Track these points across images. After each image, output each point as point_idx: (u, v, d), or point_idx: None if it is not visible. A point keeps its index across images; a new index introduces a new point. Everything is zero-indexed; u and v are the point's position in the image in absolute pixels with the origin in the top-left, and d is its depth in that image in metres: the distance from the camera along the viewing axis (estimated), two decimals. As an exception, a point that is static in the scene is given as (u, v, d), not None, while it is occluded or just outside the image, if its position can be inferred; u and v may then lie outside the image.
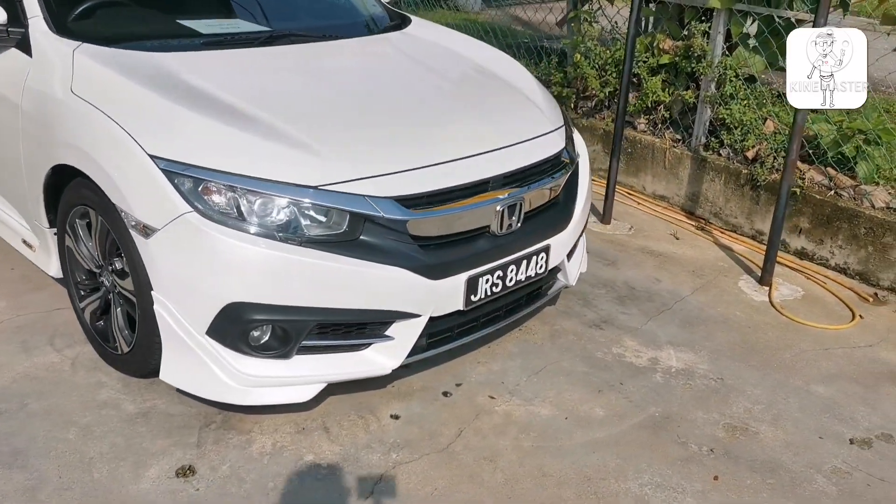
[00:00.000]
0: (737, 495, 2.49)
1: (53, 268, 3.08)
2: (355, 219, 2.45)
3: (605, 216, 4.50)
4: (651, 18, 5.17)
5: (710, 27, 4.52)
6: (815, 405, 2.96)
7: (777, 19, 4.26)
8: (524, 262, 2.81)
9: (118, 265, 2.68)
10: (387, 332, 2.58)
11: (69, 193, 2.80)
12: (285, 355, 2.49)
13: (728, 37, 4.55)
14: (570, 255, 3.15)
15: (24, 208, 3.14)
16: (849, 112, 4.11)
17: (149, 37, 3.07)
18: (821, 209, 4.06)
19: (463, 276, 2.62)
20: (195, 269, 2.40)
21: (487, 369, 3.04)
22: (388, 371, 2.61)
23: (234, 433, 2.61)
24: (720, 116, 4.54)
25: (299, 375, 2.53)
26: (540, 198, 2.91)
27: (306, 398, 2.55)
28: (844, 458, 2.69)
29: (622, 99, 4.25)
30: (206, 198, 2.38)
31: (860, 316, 3.63)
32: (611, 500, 2.43)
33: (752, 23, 4.46)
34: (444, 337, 2.74)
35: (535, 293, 3.07)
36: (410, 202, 2.50)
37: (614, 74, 4.99)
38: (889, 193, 3.96)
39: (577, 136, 3.39)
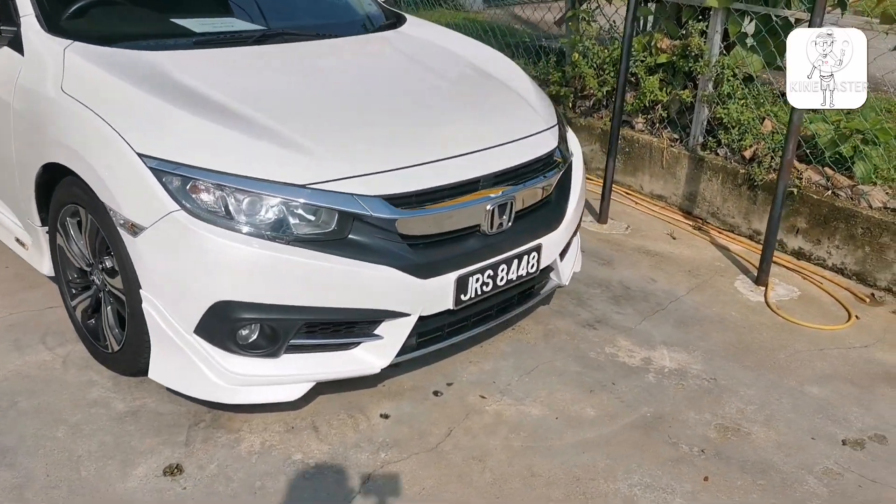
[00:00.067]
0: (727, 496, 2.48)
1: (46, 266, 3.08)
2: (344, 217, 2.44)
3: (601, 216, 4.48)
4: (650, 18, 5.15)
5: (707, 26, 4.50)
6: (808, 406, 2.95)
7: (774, 18, 4.24)
8: (515, 261, 2.80)
9: (108, 263, 2.68)
10: (376, 332, 2.57)
11: (60, 192, 2.80)
12: (274, 354, 2.49)
13: (726, 36, 4.53)
14: (563, 255, 3.14)
15: (16, 207, 3.15)
16: (847, 112, 4.09)
17: (141, 36, 3.06)
18: (818, 209, 4.04)
19: (453, 276, 2.61)
20: (183, 268, 2.40)
21: (479, 369, 3.03)
22: (377, 370, 2.60)
23: (223, 432, 2.60)
24: (718, 116, 4.52)
25: (288, 374, 2.52)
26: (531, 197, 2.90)
27: (295, 397, 2.55)
28: (836, 459, 2.67)
29: (618, 98, 4.24)
30: (194, 196, 2.37)
31: (856, 316, 3.61)
32: (599, 500, 2.42)
33: (749, 22, 4.44)
34: (434, 336, 2.74)
35: (528, 293, 3.05)
36: (399, 201, 2.50)
37: (612, 74, 4.97)
38: (886, 193, 3.94)
39: (571, 136, 3.37)
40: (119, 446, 2.51)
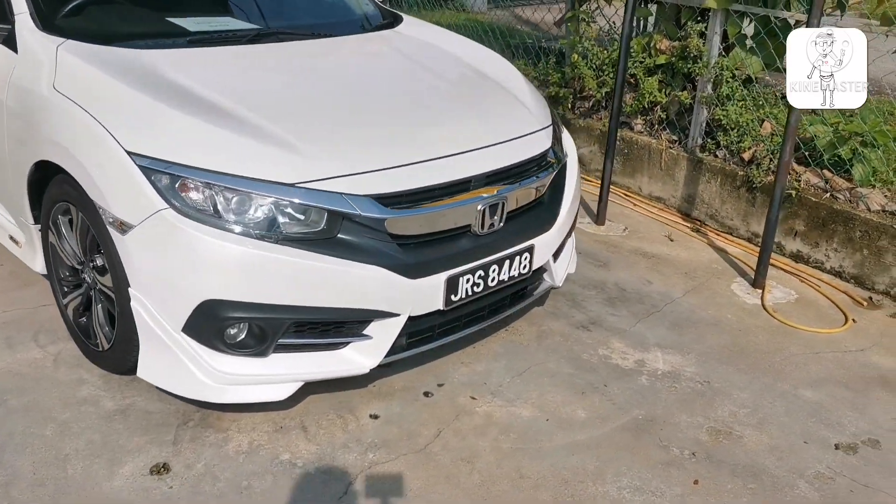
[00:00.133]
0: (716, 500, 2.46)
1: (38, 264, 3.08)
2: (333, 217, 2.43)
3: (599, 217, 4.47)
4: (650, 19, 5.13)
5: (706, 28, 4.49)
6: (801, 409, 2.93)
7: (773, 20, 4.22)
8: (507, 261, 2.79)
9: (99, 262, 2.68)
10: (365, 331, 2.56)
11: (52, 190, 2.80)
12: (262, 353, 2.48)
13: (725, 37, 4.51)
14: (556, 256, 3.12)
15: (10, 204, 3.15)
16: (845, 113, 4.06)
17: (135, 34, 3.06)
18: (816, 212, 4.02)
19: (443, 276, 2.59)
20: (171, 266, 2.39)
21: (471, 370, 3.02)
22: (366, 370, 2.59)
23: (211, 431, 2.60)
24: (717, 118, 4.50)
25: (276, 374, 2.51)
26: (524, 197, 2.89)
27: (283, 397, 2.54)
28: (829, 464, 2.65)
29: (616, 99, 4.22)
30: (182, 195, 2.37)
31: (853, 320, 3.59)
32: (587, 503, 2.41)
33: (749, 24, 4.42)
34: (424, 337, 2.73)
35: (520, 293, 3.04)
36: (389, 200, 2.49)
37: (611, 75, 4.96)
38: (885, 196, 3.91)
39: (566, 137, 3.36)
40: (107, 445, 2.51)
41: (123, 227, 2.42)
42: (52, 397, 2.71)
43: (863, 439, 2.78)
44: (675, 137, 4.79)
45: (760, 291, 3.79)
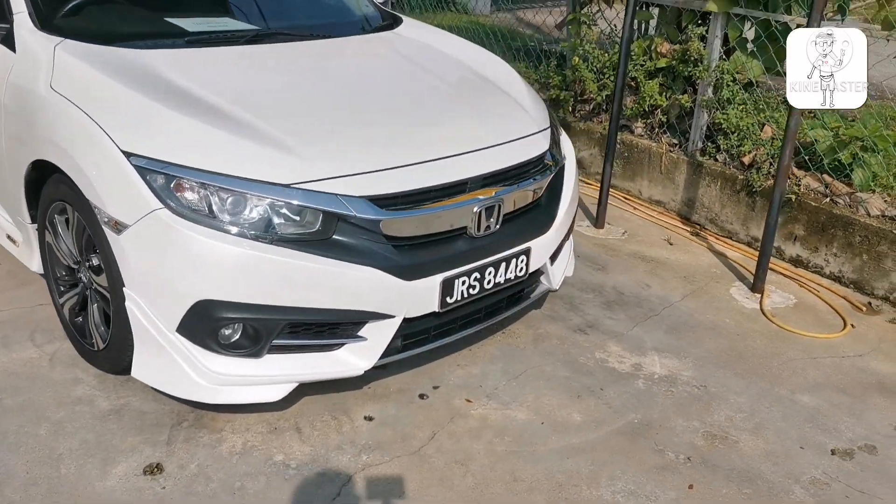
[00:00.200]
0: (711, 505, 2.45)
1: (35, 263, 3.08)
2: (328, 218, 2.43)
3: (598, 220, 4.46)
4: (651, 22, 5.13)
5: (707, 31, 4.48)
6: (798, 414, 2.91)
7: (774, 24, 4.21)
8: (503, 264, 2.78)
9: (95, 261, 2.68)
10: (359, 333, 2.56)
11: (48, 189, 2.80)
12: (256, 354, 2.48)
13: (726, 41, 4.50)
14: (553, 259, 3.12)
15: (8, 204, 3.16)
16: (847, 117, 4.05)
17: (134, 34, 3.07)
18: (816, 216, 4.00)
19: (438, 278, 2.59)
20: (165, 266, 2.39)
21: (466, 372, 3.01)
22: (361, 372, 2.58)
23: (205, 432, 2.59)
24: (717, 121, 4.49)
25: (270, 375, 2.51)
26: (521, 199, 2.88)
27: (277, 398, 2.54)
28: (825, 469, 2.64)
29: (616, 102, 4.21)
30: (178, 195, 2.37)
31: (852, 325, 3.57)
32: (581, 506, 2.40)
33: (750, 27, 4.41)
34: (419, 339, 2.72)
35: (517, 296, 3.03)
36: (384, 202, 2.48)
37: (612, 78, 4.95)
38: (885, 201, 3.90)
39: (564, 139, 3.36)
40: (100, 444, 2.51)
41: (118, 227, 2.42)
42: (47, 397, 2.71)
43: (859, 445, 2.77)
44: (675, 141, 4.78)
45: (759, 296, 3.78)
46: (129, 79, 2.63)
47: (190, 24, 3.20)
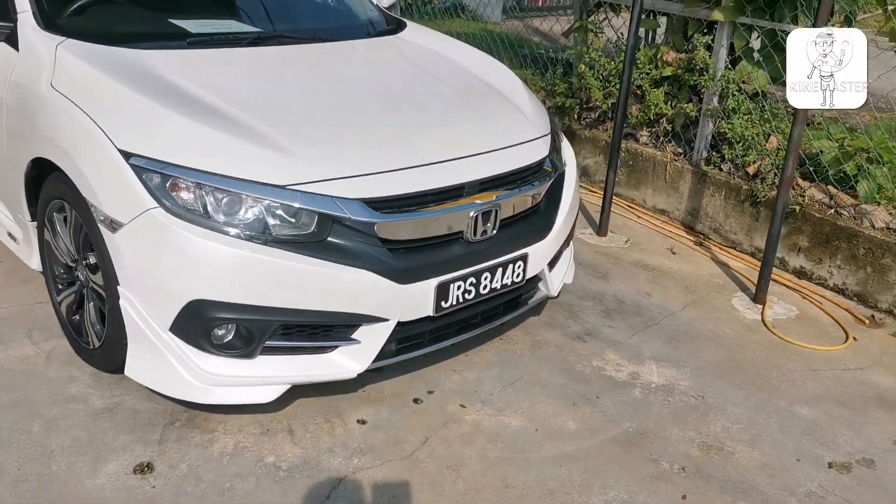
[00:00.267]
0: (704, 515, 2.43)
1: (34, 261, 3.10)
2: (323, 220, 2.43)
3: (601, 228, 4.44)
4: (658, 30, 5.12)
5: (713, 40, 4.46)
6: (796, 426, 2.88)
7: (780, 34, 4.19)
8: (500, 269, 2.77)
9: (91, 260, 2.68)
10: (353, 336, 2.55)
11: (48, 187, 2.81)
12: (249, 355, 2.47)
13: (732, 50, 4.48)
14: (552, 265, 3.11)
15: (9, 201, 3.17)
16: (844, 114, 4.00)
17: (136, 35, 3.08)
18: (820, 228, 3.97)
19: (433, 282, 2.58)
20: (159, 265, 2.39)
21: (462, 378, 3.00)
22: (354, 375, 2.58)
23: (197, 432, 2.59)
24: (722, 131, 4.47)
25: (263, 376, 2.50)
26: (519, 205, 2.87)
27: (270, 399, 2.53)
28: (821, 482, 2.61)
29: (620, 110, 4.20)
30: (173, 194, 2.37)
31: (854, 338, 3.54)
32: (572, 515, 2.38)
33: (756, 37, 4.39)
34: (414, 343, 2.71)
35: (514, 302, 3.02)
36: (379, 205, 2.48)
37: (617, 86, 4.92)
38: (889, 214, 3.87)
39: (566, 146, 3.34)
40: (92, 442, 2.51)
41: (114, 226, 2.43)
42: (42, 394, 2.71)
43: (857, 458, 2.74)
44: (680, 150, 4.76)
45: (761, 307, 3.75)
46: (127, 78, 2.64)
47: (193, 25, 3.21)
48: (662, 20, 5.11)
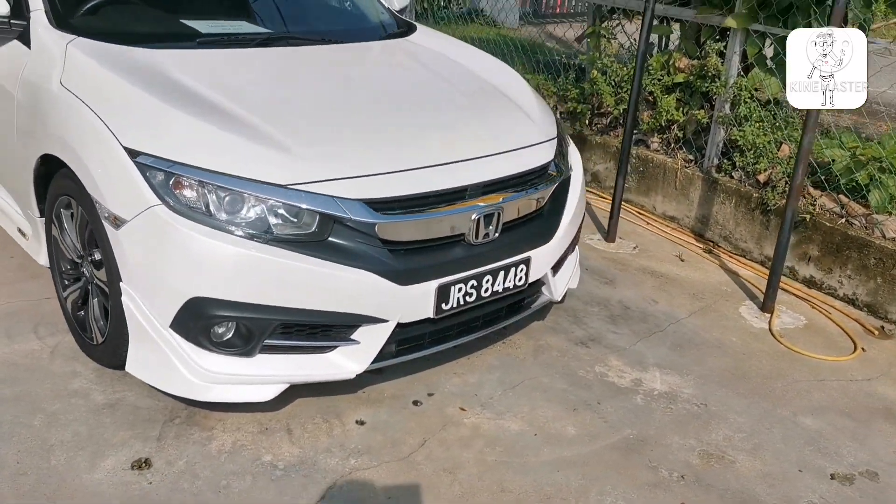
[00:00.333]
0: (701, 524, 2.40)
1: (42, 257, 3.13)
2: (324, 220, 2.43)
3: (609, 234, 4.42)
4: (670, 36, 5.10)
5: (725, 47, 4.44)
6: (799, 437, 2.85)
7: (793, 41, 4.16)
8: (501, 273, 2.76)
9: (96, 256, 2.71)
10: (352, 336, 2.55)
11: (56, 183, 2.84)
12: (248, 353, 2.48)
13: (744, 57, 4.46)
14: (556, 270, 3.09)
15: (19, 197, 3.21)
16: (860, 123, 3.97)
17: (147, 34, 3.11)
18: (831, 237, 3.93)
19: (433, 284, 2.58)
20: (160, 262, 2.41)
21: (463, 381, 2.99)
22: (353, 375, 2.58)
23: (196, 429, 2.60)
24: (733, 138, 4.44)
25: (262, 374, 2.51)
26: (523, 208, 2.86)
27: (268, 398, 2.54)
28: (822, 494, 2.57)
29: (630, 116, 4.19)
30: (176, 192, 2.39)
31: (862, 349, 3.50)
32: (568, 520, 2.37)
33: (769, 45, 4.36)
34: (414, 344, 2.71)
35: (517, 306, 3.01)
36: (380, 206, 2.48)
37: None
38: (901, 223, 3.82)
39: (573, 151, 3.33)
40: (92, 437, 2.52)
41: (117, 222, 2.45)
42: (45, 388, 2.74)
43: (860, 471, 2.70)
44: (691, 157, 4.74)
45: (769, 316, 3.72)
46: (134, 76, 2.66)
47: (203, 25, 3.24)
48: (676, 26, 5.09)
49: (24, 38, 3.00)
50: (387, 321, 2.54)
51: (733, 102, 4.43)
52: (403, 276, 2.51)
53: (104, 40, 2.89)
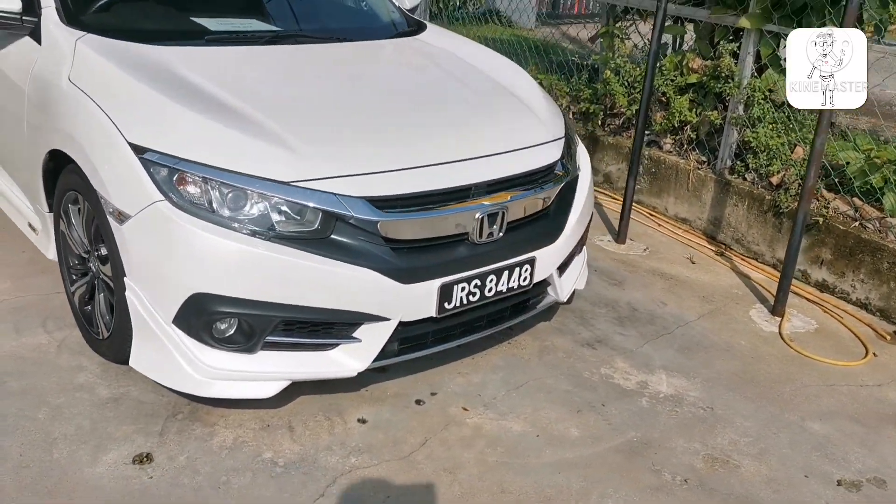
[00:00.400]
0: (703, 529, 2.38)
1: (51, 251, 3.15)
2: (327, 217, 2.43)
3: (620, 235, 4.39)
4: (684, 37, 5.06)
5: (739, 47, 4.39)
6: (806, 442, 2.81)
7: (808, 42, 4.11)
8: (506, 272, 2.75)
9: (102, 251, 2.72)
10: (354, 334, 2.55)
11: (64, 179, 2.86)
12: (249, 350, 2.48)
13: (758, 58, 4.41)
14: (562, 270, 3.07)
15: (29, 193, 3.23)
16: (878, 125, 3.92)
17: (156, 31, 3.13)
18: (844, 240, 3.88)
19: (436, 283, 2.57)
20: (163, 258, 2.42)
21: (466, 380, 2.98)
22: (354, 373, 2.57)
23: (198, 425, 2.61)
24: (747, 140, 4.39)
25: (263, 371, 2.51)
26: (528, 208, 2.85)
27: (269, 394, 2.54)
28: (828, 500, 2.54)
29: (641, 117, 4.16)
30: (179, 188, 2.40)
31: (874, 354, 3.45)
32: (568, 522, 2.35)
33: (783, 46, 4.31)
34: (417, 343, 2.70)
35: (522, 306, 3.00)
36: (383, 204, 2.48)
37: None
38: (916, 228, 3.77)
39: (581, 151, 3.31)
40: (95, 431, 2.54)
41: (121, 218, 2.46)
42: (50, 382, 2.76)
43: (868, 477, 2.66)
44: (704, 158, 4.70)
45: (779, 319, 3.68)
46: (141, 73, 2.68)
47: (213, 23, 3.25)
48: (689, 27, 5.05)
49: (36, 35, 3.02)
50: (389, 319, 2.54)
51: (747, 103, 4.39)
52: (406, 275, 2.51)
53: (113, 37, 2.90)
